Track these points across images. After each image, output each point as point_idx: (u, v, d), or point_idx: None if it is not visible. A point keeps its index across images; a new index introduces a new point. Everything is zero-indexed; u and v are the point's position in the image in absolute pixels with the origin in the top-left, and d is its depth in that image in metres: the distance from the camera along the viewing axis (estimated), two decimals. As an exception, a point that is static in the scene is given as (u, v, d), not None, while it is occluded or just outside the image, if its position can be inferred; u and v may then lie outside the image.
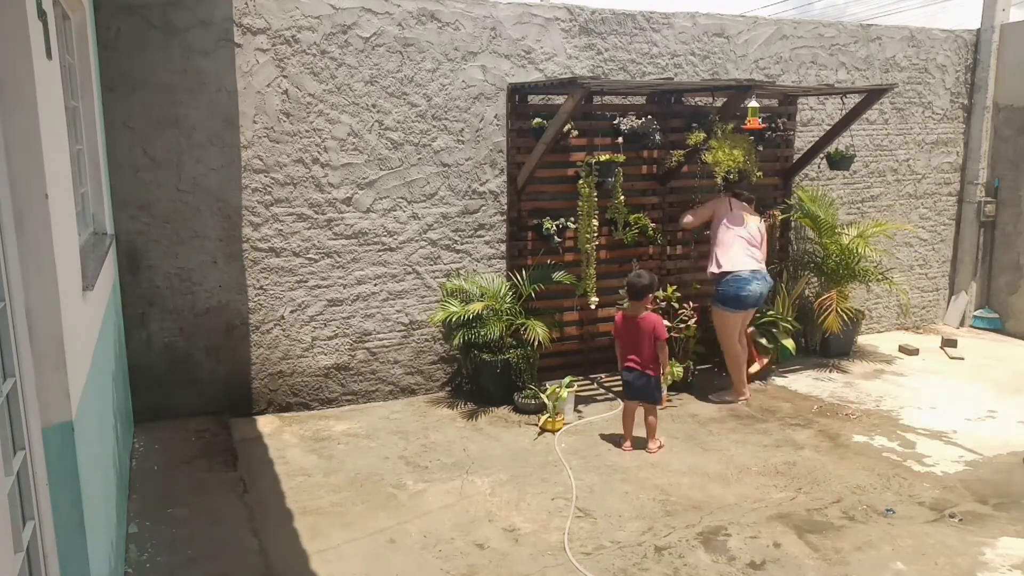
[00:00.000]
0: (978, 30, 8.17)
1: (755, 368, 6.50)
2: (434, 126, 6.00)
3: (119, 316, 5.08)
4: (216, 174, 5.45)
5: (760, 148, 6.61)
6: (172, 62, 5.22)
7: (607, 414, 5.90)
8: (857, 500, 4.56)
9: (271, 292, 5.73)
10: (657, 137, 6.31)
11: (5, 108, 2.08)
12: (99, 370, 3.27)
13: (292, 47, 5.50)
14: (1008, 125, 8.11)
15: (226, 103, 5.40)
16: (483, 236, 6.31)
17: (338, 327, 5.96)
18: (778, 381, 6.68)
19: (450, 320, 5.90)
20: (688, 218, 6.37)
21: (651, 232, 6.52)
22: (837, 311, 6.85)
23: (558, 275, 6.24)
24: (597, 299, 6.14)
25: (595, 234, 6.11)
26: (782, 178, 7.26)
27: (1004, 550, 4.04)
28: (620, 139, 6.24)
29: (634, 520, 4.31)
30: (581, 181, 6.08)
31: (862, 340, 7.74)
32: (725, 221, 6.09)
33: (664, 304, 6.14)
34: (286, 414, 5.85)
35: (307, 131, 5.64)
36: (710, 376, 6.62)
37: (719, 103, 6.45)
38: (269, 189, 5.60)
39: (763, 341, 6.60)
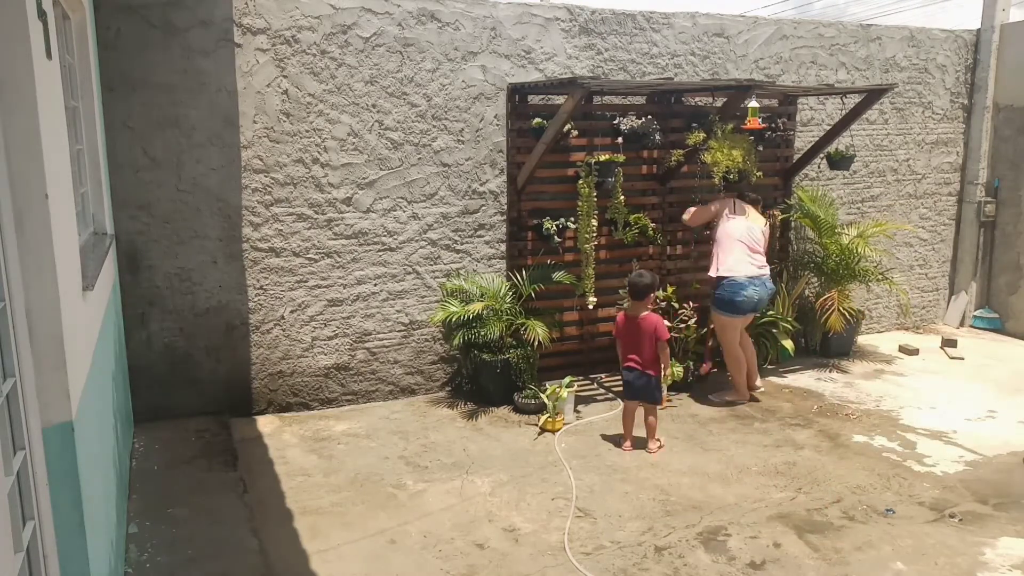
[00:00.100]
0: (978, 30, 8.17)
1: (704, 370, 6.41)
2: (434, 126, 6.01)
3: (119, 316, 5.08)
4: (216, 174, 5.45)
5: (760, 148, 6.60)
6: (172, 62, 5.22)
7: (607, 414, 5.90)
8: (857, 500, 4.56)
9: (271, 292, 5.73)
10: (657, 137, 6.31)
11: (5, 108, 2.08)
12: (99, 370, 3.27)
13: (292, 47, 5.51)
14: (1008, 125, 8.11)
15: (226, 103, 5.40)
16: (483, 236, 6.31)
17: (338, 327, 5.96)
18: (778, 381, 6.68)
19: (450, 320, 5.90)
20: (689, 214, 6.35)
21: (651, 232, 6.52)
22: (839, 310, 6.85)
23: (558, 275, 6.23)
24: (595, 299, 6.14)
25: (595, 234, 6.11)
26: (782, 178, 7.26)
27: (1004, 550, 4.04)
28: (620, 139, 6.24)
29: (634, 520, 4.32)
30: (581, 181, 6.08)
31: (862, 340, 7.74)
32: (727, 223, 6.05)
33: (664, 304, 6.14)
34: (286, 414, 5.85)
35: (307, 131, 5.64)
36: (710, 376, 6.61)
37: (719, 103, 6.44)
38: (269, 189, 5.60)
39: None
